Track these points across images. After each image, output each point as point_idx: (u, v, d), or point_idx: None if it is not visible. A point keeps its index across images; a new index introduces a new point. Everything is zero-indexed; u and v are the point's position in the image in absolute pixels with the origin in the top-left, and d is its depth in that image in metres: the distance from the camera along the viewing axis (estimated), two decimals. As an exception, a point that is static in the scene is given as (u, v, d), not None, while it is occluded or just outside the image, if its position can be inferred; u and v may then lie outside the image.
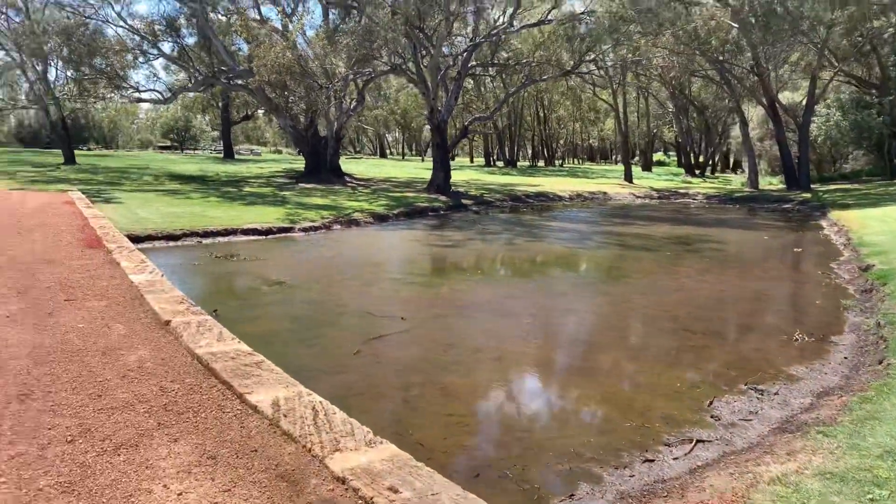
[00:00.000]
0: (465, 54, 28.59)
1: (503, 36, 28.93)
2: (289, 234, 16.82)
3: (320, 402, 3.55)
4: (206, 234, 15.60)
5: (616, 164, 72.13)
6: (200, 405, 3.55)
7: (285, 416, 3.35)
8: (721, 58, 30.73)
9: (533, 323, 8.79)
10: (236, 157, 56.02)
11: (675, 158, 65.31)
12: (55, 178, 25.87)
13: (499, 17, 30.34)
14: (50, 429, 3.21)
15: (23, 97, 49.75)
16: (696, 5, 28.05)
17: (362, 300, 9.81)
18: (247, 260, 12.94)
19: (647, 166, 54.95)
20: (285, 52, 23.99)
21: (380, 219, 20.34)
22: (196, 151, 72.47)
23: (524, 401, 6.27)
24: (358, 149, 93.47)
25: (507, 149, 61.35)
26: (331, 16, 31.70)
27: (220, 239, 15.52)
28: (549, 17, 28.30)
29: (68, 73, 35.30)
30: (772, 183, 35.95)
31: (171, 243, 14.73)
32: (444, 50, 27.91)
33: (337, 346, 7.45)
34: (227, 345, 4.47)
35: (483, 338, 7.91)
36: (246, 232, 16.31)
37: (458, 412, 5.77)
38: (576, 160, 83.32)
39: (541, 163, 66.70)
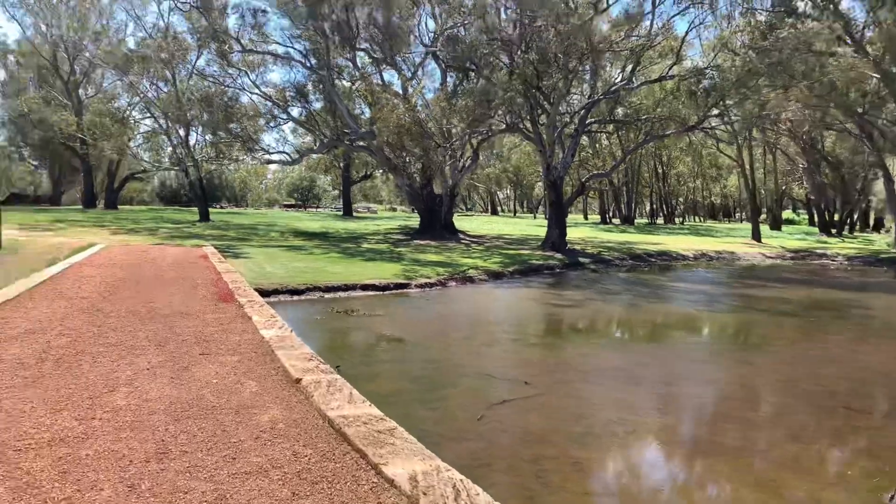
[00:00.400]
0: (582, 112, 28.39)
1: (621, 92, 28.55)
2: (405, 291, 16.87)
3: (461, 479, 3.24)
4: (328, 289, 15.91)
5: (741, 222, 68.75)
6: (335, 475, 3.33)
7: (424, 493, 3.06)
8: (861, 110, 28.74)
9: (669, 393, 8.12)
10: (355, 214, 58.25)
11: (806, 216, 61.43)
12: (191, 234, 27.69)
13: (617, 75, 30.07)
14: (186, 493, 3.09)
15: (166, 160, 54.56)
16: (831, 56, 26.52)
17: (482, 361, 9.50)
18: (366, 315, 13.01)
19: (776, 225, 51.86)
20: (406, 114, 24.78)
21: (495, 276, 20.10)
22: (318, 209, 76.25)
23: (667, 482, 5.66)
24: (469, 206, 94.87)
25: (623, 206, 60.03)
26: (449, 78, 32.68)
27: (341, 294, 15.76)
28: (671, 73, 27.67)
29: (207, 138, 38.36)
30: (923, 243, 32.76)
31: (295, 297, 15.09)
32: (561, 108, 27.84)
33: (459, 410, 7.15)
34: (358, 408, 4.28)
35: (615, 408, 7.35)
36: (365, 287, 16.51)
37: (594, 491, 5.29)
38: (696, 218, 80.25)
39: (659, 220, 64.70)
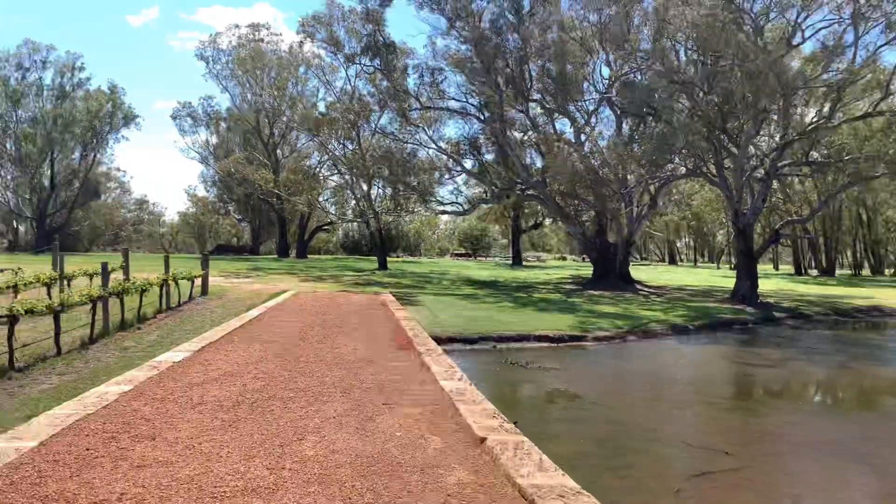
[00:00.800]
0: (773, 154, 26.20)
1: (819, 132, 26.01)
2: (581, 343, 16.18)
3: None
4: (501, 339, 15.67)
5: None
6: (531, 557, 2.96)
7: None
8: None
9: (910, 477, 6.80)
10: (524, 263, 58.18)
11: None
12: (371, 282, 28.96)
13: (813, 113, 27.54)
14: (373, 562, 2.88)
15: (349, 213, 58.50)
16: None
17: (674, 426, 8.66)
18: (541, 368, 12.55)
19: None
20: (580, 161, 24.38)
21: (679, 331, 18.73)
22: (487, 258, 77.32)
23: None
24: (644, 255, 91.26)
25: (821, 255, 54.36)
26: (624, 125, 31.90)
27: (514, 344, 15.46)
28: (879, 109, 24.78)
29: (387, 191, 40.52)
30: None
31: (468, 346, 15.01)
32: (749, 150, 25.88)
33: (652, 480, 6.45)
34: (550, 477, 3.88)
35: (841, 490, 6.26)
36: (538, 339, 16.06)
37: None
38: (911, 269, 70.60)
39: (865, 271, 57.72)
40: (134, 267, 26.28)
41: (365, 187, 40.47)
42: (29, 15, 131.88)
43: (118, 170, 77.70)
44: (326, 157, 48.44)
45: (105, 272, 13.37)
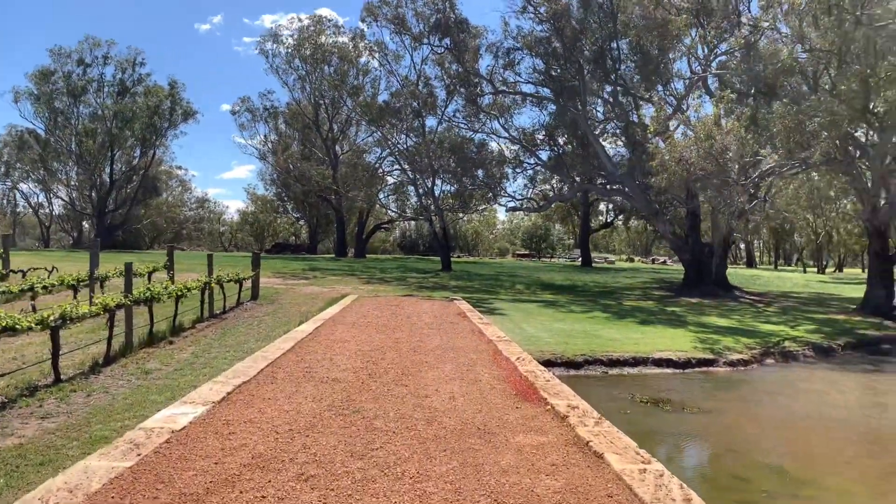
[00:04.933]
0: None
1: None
2: (712, 369, 12.88)
3: None
4: (612, 363, 12.54)
5: None
6: None
7: None
8: None
9: None
10: (593, 265, 54.37)
11: None
12: (437, 285, 26.06)
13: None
14: None
15: (408, 211, 55.73)
16: None
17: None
18: (685, 410, 9.36)
19: None
20: (697, 149, 20.73)
21: (823, 352, 15.11)
22: (552, 259, 73.49)
23: None
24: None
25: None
26: (721, 109, 27.99)
27: (629, 369, 12.36)
28: None
29: (452, 188, 37.40)
30: None
31: (572, 371, 11.95)
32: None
33: None
34: None
35: None
36: (658, 363, 12.83)
37: None
38: None
39: None
40: (186, 266, 24.02)
41: (428, 183, 37.56)
42: (105, 31, 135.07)
43: (179, 168, 77.16)
44: (387, 151, 45.79)
45: (129, 273, 10.76)
